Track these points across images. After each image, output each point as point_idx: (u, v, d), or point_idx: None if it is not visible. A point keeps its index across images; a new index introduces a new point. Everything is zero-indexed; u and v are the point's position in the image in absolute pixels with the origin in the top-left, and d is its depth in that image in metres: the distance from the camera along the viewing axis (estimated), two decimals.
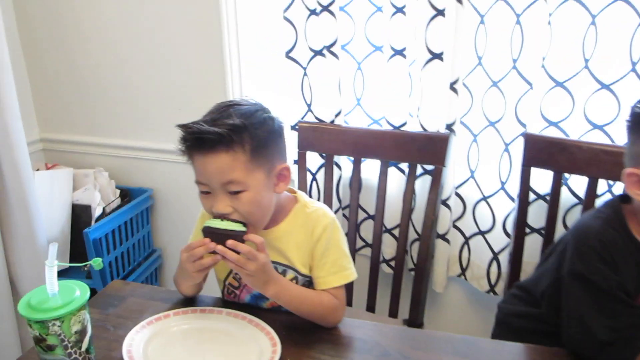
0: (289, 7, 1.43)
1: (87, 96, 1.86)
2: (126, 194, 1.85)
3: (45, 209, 1.62)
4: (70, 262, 1.75)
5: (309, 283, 1.01)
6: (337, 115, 1.51)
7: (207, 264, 0.90)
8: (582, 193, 1.41)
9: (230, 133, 0.84)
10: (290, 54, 1.47)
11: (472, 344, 0.93)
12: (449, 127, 1.41)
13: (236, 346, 0.91)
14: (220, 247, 0.86)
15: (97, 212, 1.70)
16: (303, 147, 1.48)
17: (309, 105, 1.52)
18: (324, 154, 1.53)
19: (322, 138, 1.47)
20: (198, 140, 0.85)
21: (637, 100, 0.85)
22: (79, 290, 0.80)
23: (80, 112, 1.90)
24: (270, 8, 1.55)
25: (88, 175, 1.78)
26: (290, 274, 0.99)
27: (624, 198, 0.93)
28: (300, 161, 1.49)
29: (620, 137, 1.35)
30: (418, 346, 0.92)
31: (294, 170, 1.58)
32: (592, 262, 0.86)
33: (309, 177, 1.56)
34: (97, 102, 1.86)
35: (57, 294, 0.79)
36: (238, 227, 0.87)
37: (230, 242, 0.85)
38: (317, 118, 1.52)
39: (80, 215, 1.75)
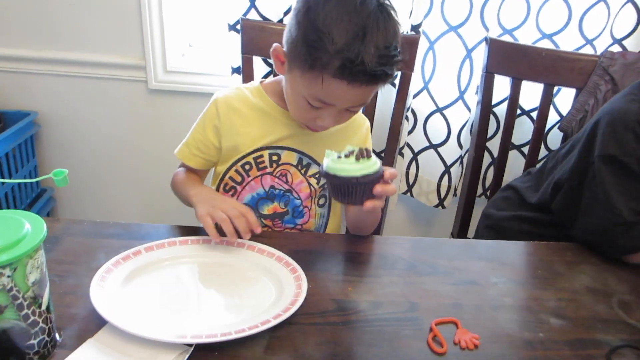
0: None
1: None
2: (0, 119, 1.42)
3: None
4: None
5: None
6: (285, 13, 1.28)
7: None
8: (525, 104, 1.45)
9: (389, 73, 0.76)
10: None
11: (490, 247, 0.88)
12: (415, 28, 1.29)
13: (246, 279, 0.73)
14: (370, 203, 0.72)
15: None
16: (248, 51, 1.24)
17: (252, 1, 1.26)
18: (270, 60, 1.31)
19: (271, 40, 1.24)
20: (359, 76, 0.73)
21: None
22: (28, 223, 0.53)
23: None
24: None
25: None
26: (314, 168, 0.94)
27: None
28: (246, 68, 1.25)
29: (567, 46, 1.37)
30: (439, 255, 0.83)
31: (236, 81, 1.34)
32: (628, 143, 0.84)
33: None
34: None
35: None
36: (372, 168, 0.70)
37: (379, 189, 0.72)
38: (262, 16, 1.28)
39: None
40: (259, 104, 0.91)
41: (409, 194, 1.59)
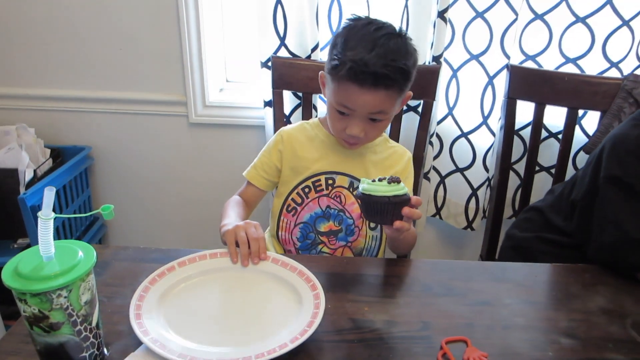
0: None
1: None
2: (58, 154, 1.57)
3: None
4: None
5: None
6: (313, 50, 1.37)
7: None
8: (552, 127, 1.46)
9: (396, 76, 0.88)
10: None
11: (505, 268, 0.91)
12: (436, 59, 1.35)
13: (269, 292, 0.79)
14: (398, 223, 0.80)
15: (27, 175, 1.42)
16: (279, 86, 1.34)
17: (282, 39, 1.36)
18: (299, 94, 1.40)
19: (299, 75, 1.33)
20: (364, 78, 0.87)
21: None
22: (81, 251, 0.63)
23: None
24: None
25: (9, 132, 1.47)
26: None
27: None
28: (277, 101, 1.34)
29: (592, 69, 1.38)
30: (455, 276, 0.87)
31: (268, 113, 1.44)
32: (630, 165, 0.88)
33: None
34: (12, 45, 1.52)
35: (53, 257, 0.60)
36: (401, 190, 0.79)
37: (407, 211, 0.79)
38: (291, 53, 1.38)
39: (3, 181, 1.45)
40: (316, 135, 1.05)
41: (437, 216, 1.62)
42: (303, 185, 1.04)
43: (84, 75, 1.55)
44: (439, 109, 1.47)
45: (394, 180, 0.78)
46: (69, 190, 1.52)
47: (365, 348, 0.69)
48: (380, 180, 0.79)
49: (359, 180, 1.02)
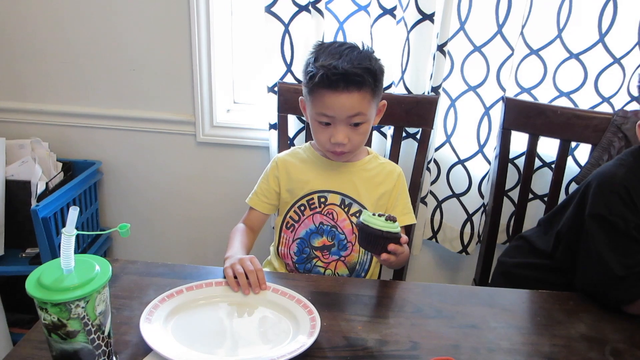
0: None
1: (13, 55, 1.59)
2: (69, 168, 1.63)
3: None
4: (6, 247, 1.51)
5: None
6: None
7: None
8: (546, 156, 1.52)
9: (365, 75, 0.97)
10: (272, 9, 1.36)
11: (493, 294, 0.96)
12: (435, 89, 1.41)
13: (268, 317, 0.84)
14: (385, 255, 0.88)
15: (39, 188, 1.48)
16: (284, 110, 1.40)
17: (288, 66, 1.43)
18: (303, 118, 1.46)
19: None
20: (336, 80, 0.96)
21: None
22: (98, 265, 0.68)
23: (6, 73, 1.62)
24: None
25: (24, 146, 1.53)
26: (355, 207, 1.10)
27: None
28: (282, 125, 1.41)
29: (585, 103, 1.45)
30: (445, 299, 0.92)
31: (273, 136, 1.50)
32: (614, 204, 0.92)
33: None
34: (27, 62, 1.60)
35: (72, 271, 0.66)
36: (394, 228, 0.87)
37: (392, 247, 0.87)
38: (296, 79, 1.44)
39: (15, 192, 1.51)
40: (308, 157, 1.13)
41: (434, 239, 1.67)
42: (299, 204, 1.11)
43: (97, 93, 1.62)
44: (438, 136, 1.53)
45: (391, 218, 0.87)
46: (78, 203, 1.57)
47: None
48: (379, 215, 0.87)
49: (350, 198, 1.09)
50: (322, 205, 1.10)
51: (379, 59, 1.05)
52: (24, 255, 1.54)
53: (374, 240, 0.87)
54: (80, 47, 1.56)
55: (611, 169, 0.97)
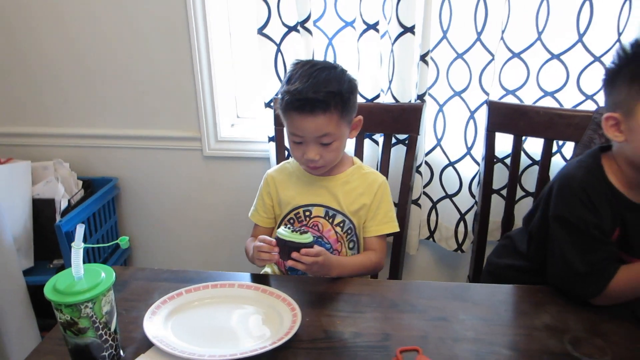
0: None
1: (36, 84, 1.75)
2: (89, 185, 1.77)
3: (6, 205, 1.52)
4: (35, 259, 1.66)
5: (352, 228, 1.18)
6: None
7: (268, 261, 1.03)
8: (535, 155, 1.57)
9: (329, 99, 1.03)
10: (264, 31, 1.47)
11: (467, 289, 1.03)
12: (420, 97, 1.49)
13: (256, 315, 0.94)
14: (290, 262, 0.98)
15: (62, 204, 1.62)
16: (279, 124, 1.50)
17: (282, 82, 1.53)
18: None
19: None
20: (301, 105, 1.03)
21: (611, 61, 0.96)
22: (103, 272, 0.79)
23: (30, 101, 1.78)
24: None
25: (47, 167, 1.68)
26: (339, 218, 1.17)
27: (604, 148, 1.05)
28: (278, 138, 1.51)
29: (568, 102, 1.50)
30: (421, 295, 1.00)
31: (272, 147, 1.61)
32: (574, 206, 0.97)
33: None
34: (48, 91, 1.75)
35: (82, 277, 0.77)
36: (305, 239, 0.98)
37: (295, 255, 0.97)
38: None
39: (42, 210, 1.66)
40: (294, 172, 1.21)
41: (431, 239, 1.74)
42: (288, 217, 1.20)
43: (111, 115, 1.76)
44: (429, 140, 1.61)
45: (302, 232, 0.99)
46: (98, 217, 1.71)
47: (332, 355, 0.83)
48: (293, 230, 0.99)
49: (333, 209, 1.17)
50: (308, 219, 1.18)
51: (351, 79, 1.10)
52: (51, 266, 1.69)
53: (281, 249, 0.98)
54: (95, 75, 1.71)
55: (571, 170, 1.02)
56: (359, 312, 0.94)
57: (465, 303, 0.97)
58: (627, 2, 1.35)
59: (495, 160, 1.54)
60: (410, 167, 1.47)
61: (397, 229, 1.20)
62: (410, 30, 1.41)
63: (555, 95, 1.51)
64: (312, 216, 1.18)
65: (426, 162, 1.64)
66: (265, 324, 0.91)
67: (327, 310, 0.95)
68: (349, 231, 1.19)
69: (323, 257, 1.00)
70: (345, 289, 1.03)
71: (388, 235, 1.21)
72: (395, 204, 1.58)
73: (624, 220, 0.98)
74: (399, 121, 1.46)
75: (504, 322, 0.92)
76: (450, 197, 1.64)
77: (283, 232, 0.99)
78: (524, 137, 1.47)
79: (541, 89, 1.52)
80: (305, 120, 1.05)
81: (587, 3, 1.39)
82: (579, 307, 0.95)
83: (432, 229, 1.72)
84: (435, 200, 1.68)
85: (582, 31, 1.42)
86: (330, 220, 1.18)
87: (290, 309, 0.92)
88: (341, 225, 1.18)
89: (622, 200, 0.97)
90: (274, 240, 1.01)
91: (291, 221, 1.19)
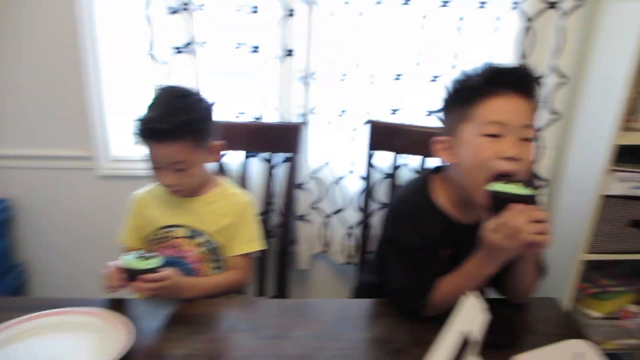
0: (148, 6, 1.46)
1: None
2: None
3: None
4: None
5: (217, 248, 1.19)
6: None
7: (116, 289, 1.03)
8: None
9: (178, 129, 1.05)
10: (151, 52, 1.50)
11: (312, 305, 1.07)
12: (303, 116, 1.54)
13: (86, 342, 0.94)
14: (133, 288, 1.00)
15: None
16: None
17: None
18: None
19: None
20: (150, 134, 1.06)
21: (451, 81, 1.02)
22: None
23: None
24: (129, 8, 1.55)
25: None
26: (200, 239, 1.18)
27: (437, 169, 1.10)
28: None
29: None
30: (263, 314, 1.03)
31: None
32: (400, 228, 1.03)
33: None
34: None
35: None
36: (148, 265, 1.00)
37: (144, 278, 0.99)
38: None
39: None
40: (162, 194, 1.21)
41: (325, 253, 1.78)
42: (151, 237, 1.21)
43: (4, 133, 1.71)
44: (318, 158, 1.66)
45: (149, 257, 1.01)
46: None
47: None
48: (140, 255, 1.01)
49: (196, 230, 1.18)
50: (169, 239, 1.19)
51: (207, 106, 1.13)
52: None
53: (127, 275, 1.01)
54: None
55: (401, 193, 1.09)
56: (197, 334, 0.96)
57: (303, 319, 1.00)
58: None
59: (386, 175, 1.60)
60: (291, 185, 1.51)
61: (261, 247, 1.22)
62: (290, 53, 1.47)
63: (438, 114, 1.58)
64: (173, 237, 1.19)
65: (316, 179, 1.68)
66: (97, 350, 0.91)
67: (167, 332, 0.96)
68: (215, 251, 1.20)
69: (171, 281, 1.02)
70: (194, 309, 1.04)
71: (252, 253, 1.23)
72: (282, 222, 1.62)
73: (454, 240, 1.03)
74: (280, 140, 1.50)
75: (335, 337, 0.95)
76: (338, 212, 1.69)
77: (127, 257, 1.00)
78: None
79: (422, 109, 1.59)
80: (155, 149, 1.08)
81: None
82: (410, 320, 0.99)
83: (326, 243, 1.76)
84: (325, 215, 1.72)
85: (457, 56, 1.50)
86: (193, 240, 1.19)
87: (125, 332, 0.93)
88: (206, 244, 1.20)
89: (449, 221, 1.02)
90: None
91: (154, 243, 1.20)
